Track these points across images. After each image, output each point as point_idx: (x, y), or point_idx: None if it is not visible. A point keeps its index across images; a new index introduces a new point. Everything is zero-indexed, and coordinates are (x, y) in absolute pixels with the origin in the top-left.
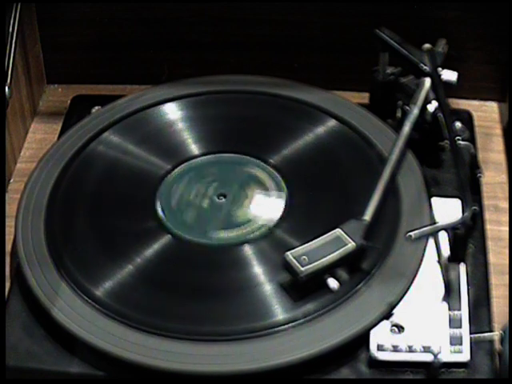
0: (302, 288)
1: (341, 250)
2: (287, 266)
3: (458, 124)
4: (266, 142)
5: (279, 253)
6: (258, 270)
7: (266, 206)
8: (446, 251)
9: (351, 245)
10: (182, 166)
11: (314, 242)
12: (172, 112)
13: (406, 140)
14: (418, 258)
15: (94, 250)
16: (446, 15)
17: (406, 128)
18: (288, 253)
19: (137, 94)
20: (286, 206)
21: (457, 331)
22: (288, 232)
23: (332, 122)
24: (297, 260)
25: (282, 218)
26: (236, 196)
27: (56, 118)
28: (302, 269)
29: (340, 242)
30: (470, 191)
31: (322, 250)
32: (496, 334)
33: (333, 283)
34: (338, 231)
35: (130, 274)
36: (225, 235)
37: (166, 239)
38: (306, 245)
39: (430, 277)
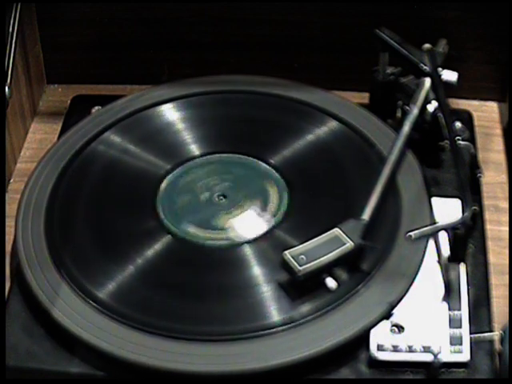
0: (300, 287)
1: (339, 250)
2: (285, 265)
3: (458, 124)
4: (266, 142)
5: (279, 253)
6: (257, 270)
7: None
8: (446, 251)
9: (349, 244)
10: (182, 166)
11: (312, 241)
12: (172, 112)
13: (406, 140)
14: (418, 258)
15: (94, 250)
16: (445, 15)
17: (406, 128)
18: (286, 252)
19: (137, 94)
20: (286, 206)
21: (457, 331)
22: (288, 232)
23: (332, 122)
24: (295, 259)
25: (282, 220)
26: (234, 198)
27: (56, 118)
28: (300, 268)
29: (338, 241)
30: (469, 191)
31: (320, 249)
32: (496, 334)
33: (331, 283)
34: (336, 231)
35: (129, 274)
36: (224, 235)
37: (165, 239)
38: (304, 244)
39: (430, 277)
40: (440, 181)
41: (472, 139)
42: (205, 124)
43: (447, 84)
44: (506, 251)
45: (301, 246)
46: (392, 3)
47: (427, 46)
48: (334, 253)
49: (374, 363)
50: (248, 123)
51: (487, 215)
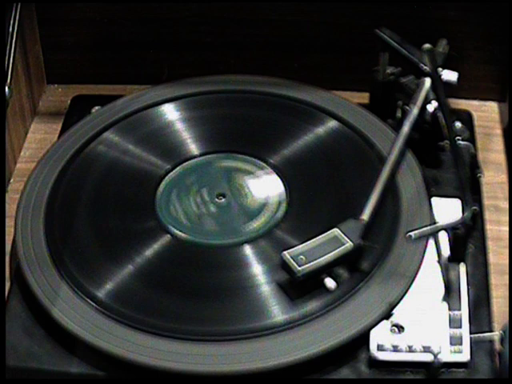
0: (300, 288)
1: (338, 250)
2: (284, 266)
3: (458, 124)
4: (265, 142)
5: (279, 253)
6: (257, 270)
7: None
8: (445, 251)
9: (349, 244)
10: (182, 165)
11: (311, 241)
12: (172, 112)
13: (406, 140)
14: (418, 258)
15: (94, 250)
16: (446, 15)
17: (406, 128)
18: (285, 252)
19: (137, 93)
20: (285, 205)
21: (457, 331)
22: (288, 232)
23: (332, 122)
24: (294, 259)
25: (282, 220)
26: (234, 198)
27: (56, 118)
28: (299, 268)
29: (337, 241)
30: (469, 191)
31: (320, 249)
32: (496, 334)
33: (330, 283)
34: (335, 231)
35: (129, 273)
36: (223, 235)
37: (165, 239)
38: (303, 244)
39: (430, 277)
40: (440, 181)
41: (472, 139)
42: (204, 124)
43: (447, 84)
44: (506, 251)
45: (300, 246)
46: (392, 3)
47: (427, 46)
48: (333, 253)
49: (374, 363)
50: (248, 123)
51: (487, 215)
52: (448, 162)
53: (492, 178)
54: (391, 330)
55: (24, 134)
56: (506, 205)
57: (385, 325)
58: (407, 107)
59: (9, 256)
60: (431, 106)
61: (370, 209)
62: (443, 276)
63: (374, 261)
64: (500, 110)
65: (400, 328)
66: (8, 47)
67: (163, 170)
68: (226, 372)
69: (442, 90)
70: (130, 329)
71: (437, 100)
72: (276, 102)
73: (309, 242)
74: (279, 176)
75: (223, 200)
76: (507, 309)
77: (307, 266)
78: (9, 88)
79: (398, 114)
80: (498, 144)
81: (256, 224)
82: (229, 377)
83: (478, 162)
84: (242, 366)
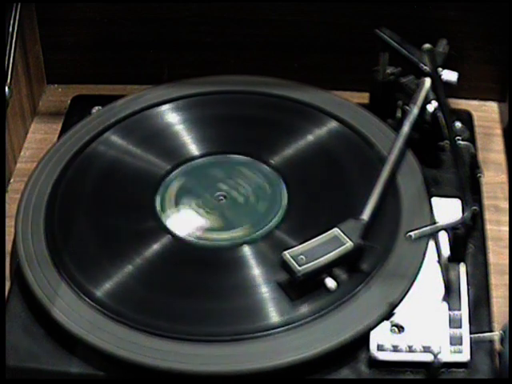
0: (300, 288)
1: (338, 250)
2: (285, 266)
3: (458, 124)
4: (266, 142)
5: (279, 253)
6: (257, 270)
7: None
8: (446, 251)
9: (349, 244)
10: (182, 166)
11: (311, 241)
12: (172, 112)
13: (406, 140)
14: (419, 258)
15: (94, 250)
16: (446, 15)
17: (406, 128)
18: (285, 252)
19: (137, 94)
20: (285, 206)
21: (457, 331)
22: (288, 232)
23: (332, 122)
24: (294, 259)
25: (282, 220)
26: (234, 198)
27: (56, 118)
28: (299, 268)
29: (337, 241)
30: (470, 191)
31: (320, 249)
32: (496, 334)
33: (330, 283)
34: (335, 231)
35: (129, 274)
36: (224, 235)
37: (165, 239)
38: (303, 244)
39: (430, 277)
40: (440, 181)
41: (472, 139)
42: (205, 124)
43: (447, 84)
44: (506, 251)
45: (300, 246)
46: (392, 3)
47: (427, 46)
48: (333, 253)
49: (374, 363)
50: (248, 123)
51: (487, 215)
52: (448, 161)
53: (492, 178)
54: (391, 330)
55: (24, 134)
56: (506, 205)
57: (385, 325)
58: (407, 107)
59: (9, 256)
60: (431, 106)
61: (370, 209)
62: (443, 276)
63: (374, 261)
64: (500, 110)
65: (400, 328)
66: (8, 47)
67: (163, 170)
68: (226, 372)
69: (442, 90)
70: (129, 329)
71: (437, 100)
72: (276, 102)
73: (309, 242)
74: (279, 176)
75: (224, 201)
76: (507, 309)
77: (307, 265)
78: (9, 88)
79: (398, 114)
80: (498, 144)
81: (256, 224)
82: (229, 377)
83: (478, 162)
84: (242, 367)
